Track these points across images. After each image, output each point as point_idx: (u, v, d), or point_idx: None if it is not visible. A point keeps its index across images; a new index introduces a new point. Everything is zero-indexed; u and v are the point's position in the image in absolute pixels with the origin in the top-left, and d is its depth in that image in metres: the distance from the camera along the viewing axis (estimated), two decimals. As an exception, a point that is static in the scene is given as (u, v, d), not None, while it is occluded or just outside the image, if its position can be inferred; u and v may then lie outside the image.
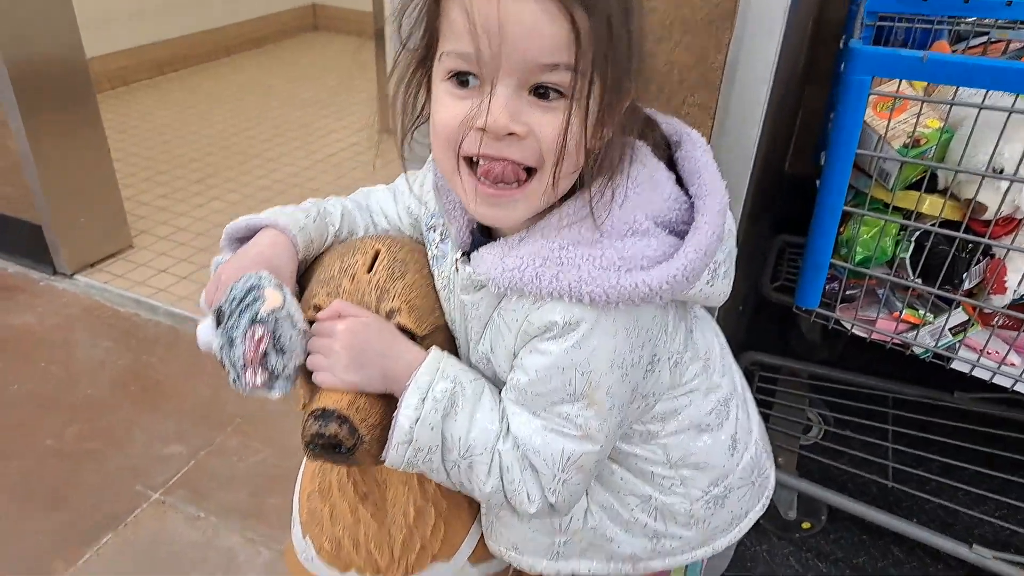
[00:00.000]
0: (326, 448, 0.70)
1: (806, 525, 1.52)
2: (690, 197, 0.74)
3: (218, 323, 0.71)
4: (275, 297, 0.69)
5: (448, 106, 0.66)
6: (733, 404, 0.86)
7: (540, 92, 0.64)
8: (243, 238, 0.84)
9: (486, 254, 0.72)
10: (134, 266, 2.31)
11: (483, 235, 0.77)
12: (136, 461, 1.65)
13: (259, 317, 0.68)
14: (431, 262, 0.82)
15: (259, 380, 0.69)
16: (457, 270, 0.76)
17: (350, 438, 0.69)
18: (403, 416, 0.71)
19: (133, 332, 2.04)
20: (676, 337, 0.77)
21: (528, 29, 0.61)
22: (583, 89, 0.63)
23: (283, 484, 1.61)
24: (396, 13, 0.69)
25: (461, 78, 0.65)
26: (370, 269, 0.76)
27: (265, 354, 0.68)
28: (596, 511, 0.83)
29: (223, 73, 4.11)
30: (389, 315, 0.75)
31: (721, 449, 0.84)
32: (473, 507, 0.88)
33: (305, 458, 0.97)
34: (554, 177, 0.65)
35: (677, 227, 0.72)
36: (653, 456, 0.81)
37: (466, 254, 0.75)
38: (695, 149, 0.76)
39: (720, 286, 0.75)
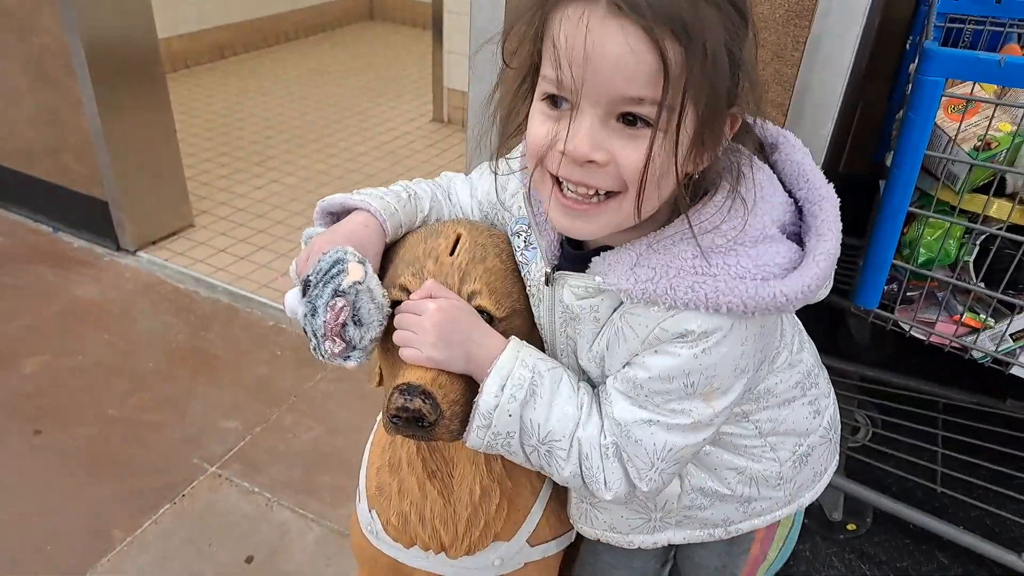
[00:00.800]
0: (409, 422, 0.71)
1: (851, 526, 1.49)
2: (796, 200, 0.74)
3: (304, 292, 0.74)
4: (357, 271, 0.72)
5: (539, 124, 0.67)
6: (814, 373, 0.87)
7: (628, 119, 0.63)
8: (335, 214, 0.86)
9: (613, 263, 0.71)
10: (194, 244, 2.36)
11: (572, 247, 0.78)
12: (194, 433, 1.68)
13: (341, 289, 0.70)
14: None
15: (336, 349, 0.72)
16: (548, 282, 0.77)
17: (432, 413, 0.70)
18: (483, 402, 0.72)
19: (192, 308, 2.08)
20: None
21: (613, 61, 0.60)
22: (672, 121, 0.62)
23: (335, 462, 1.63)
24: (504, 32, 0.71)
25: (554, 100, 0.66)
26: (452, 251, 0.78)
27: (344, 325, 0.71)
28: (690, 489, 0.84)
29: (282, 58, 4.16)
30: (470, 297, 0.76)
31: (805, 414, 0.86)
32: (535, 489, 0.89)
33: (373, 433, 0.98)
34: (637, 203, 0.65)
35: (786, 230, 0.72)
36: (745, 432, 0.82)
37: (556, 267, 0.77)
38: (794, 152, 0.76)
39: (827, 288, 0.75)
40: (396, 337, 0.75)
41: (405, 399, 0.69)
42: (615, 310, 0.73)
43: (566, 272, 0.75)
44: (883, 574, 1.43)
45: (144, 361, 1.88)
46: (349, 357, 0.73)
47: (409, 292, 0.76)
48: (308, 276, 0.73)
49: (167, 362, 1.89)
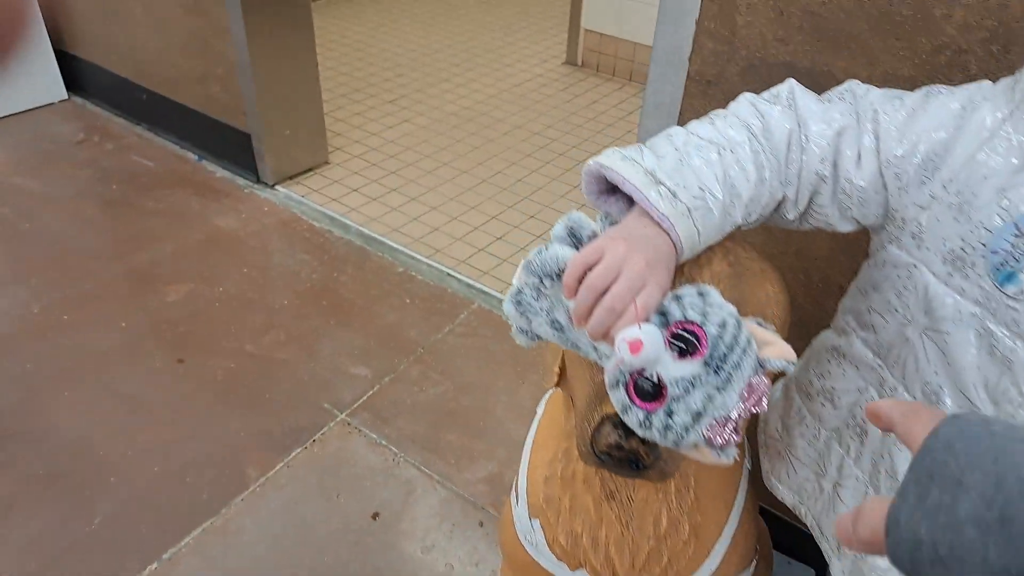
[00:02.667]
0: (619, 461, 0.57)
1: None
2: None
3: (679, 347, 0.51)
4: (781, 345, 0.52)
5: None
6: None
7: None
8: (600, 186, 0.64)
9: None
10: (329, 182, 2.30)
11: None
12: (324, 376, 1.65)
13: (767, 364, 0.51)
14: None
15: (729, 435, 0.51)
16: None
17: (650, 456, 0.56)
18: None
19: (326, 248, 2.04)
20: None
21: None
22: None
23: (460, 421, 1.56)
24: None
25: None
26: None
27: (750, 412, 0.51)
28: None
29: (416, -8, 4.02)
30: None
31: None
32: (720, 522, 0.76)
33: (535, 431, 0.87)
34: None
35: None
36: None
37: None
38: None
39: None
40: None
41: (619, 435, 0.55)
42: None
43: None
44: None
45: (279, 297, 1.86)
46: (726, 450, 0.52)
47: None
48: (690, 329, 0.51)
49: (300, 301, 1.85)
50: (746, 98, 0.67)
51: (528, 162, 2.49)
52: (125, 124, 2.57)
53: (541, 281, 0.58)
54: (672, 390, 0.50)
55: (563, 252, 0.57)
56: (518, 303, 0.59)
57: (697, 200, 0.59)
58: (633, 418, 0.52)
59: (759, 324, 0.53)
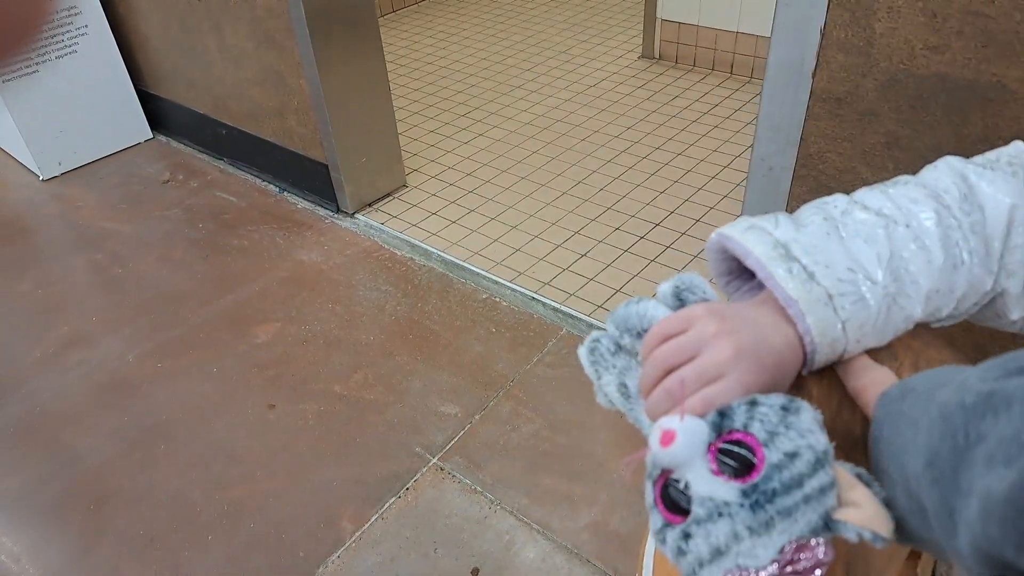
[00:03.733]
0: None
1: None
2: None
3: (720, 464, 0.40)
4: (876, 513, 0.38)
5: None
6: None
7: None
8: (724, 256, 0.53)
9: None
10: (407, 207, 2.23)
11: None
12: (414, 417, 1.57)
13: (835, 528, 0.37)
14: None
15: None
16: None
17: None
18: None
19: (409, 277, 1.96)
20: None
21: None
22: None
23: (556, 462, 1.45)
24: None
25: None
26: None
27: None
28: None
29: (482, -4, 3.92)
30: None
31: None
32: None
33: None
34: None
35: None
36: None
37: None
38: None
39: None
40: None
41: None
42: None
43: None
44: None
45: (365, 333, 1.79)
46: None
47: None
48: (744, 443, 0.40)
49: (386, 336, 1.78)
50: (947, 161, 0.52)
51: (609, 168, 2.34)
52: (208, 160, 2.57)
53: (622, 336, 0.50)
54: (696, 510, 0.39)
55: (652, 310, 0.49)
56: (592, 351, 0.50)
57: (844, 284, 0.45)
58: (652, 523, 0.42)
59: (860, 475, 0.39)
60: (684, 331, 0.45)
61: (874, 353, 0.48)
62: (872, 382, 0.43)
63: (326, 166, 2.15)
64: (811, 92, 0.83)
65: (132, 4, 2.45)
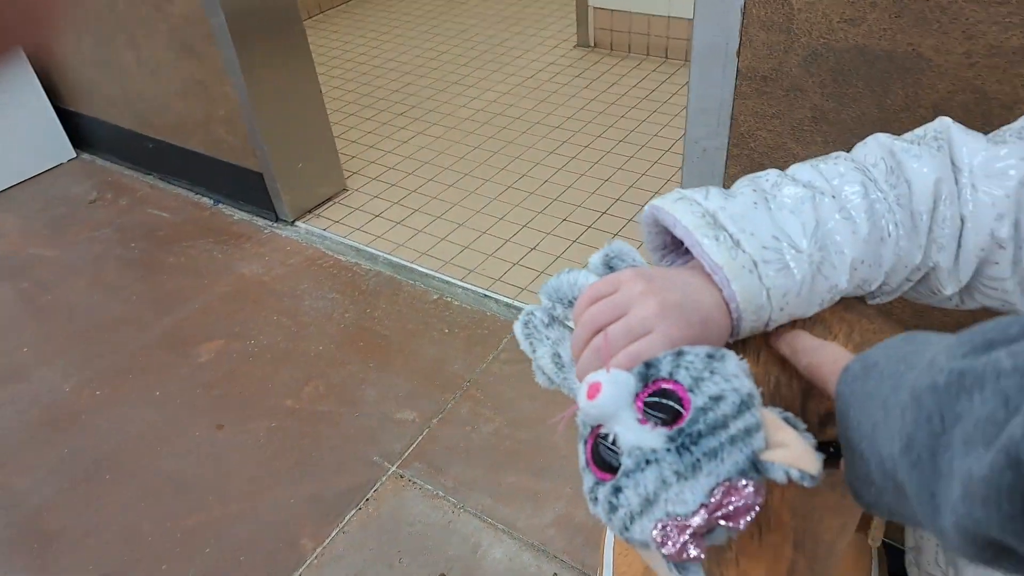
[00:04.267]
0: None
1: None
2: None
3: (647, 414, 0.39)
4: (803, 452, 0.37)
5: None
6: None
7: None
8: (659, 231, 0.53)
9: None
10: (349, 210, 2.19)
11: None
12: (370, 425, 1.54)
13: (765, 469, 0.37)
14: None
15: (690, 550, 0.36)
16: None
17: None
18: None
19: (355, 283, 1.93)
20: None
21: None
22: None
23: (518, 460, 1.44)
24: None
25: None
26: None
27: (717, 526, 0.37)
28: None
29: (412, -8, 3.88)
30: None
31: None
32: None
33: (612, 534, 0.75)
34: None
35: None
36: None
37: None
38: None
39: None
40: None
41: None
42: None
43: None
44: None
45: (314, 344, 1.76)
46: (689, 569, 0.37)
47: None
48: (672, 391, 0.39)
49: (336, 345, 1.75)
50: (876, 138, 0.52)
51: (553, 160, 2.34)
52: (136, 176, 2.49)
53: (554, 307, 0.50)
54: (625, 461, 0.38)
55: (582, 278, 0.49)
56: (526, 324, 0.50)
57: (769, 252, 0.46)
58: (584, 484, 0.42)
59: (787, 419, 0.39)
60: (613, 293, 0.46)
61: (808, 326, 0.48)
62: (827, 359, 0.43)
63: (260, 175, 2.10)
64: (737, 71, 0.84)
65: (42, 18, 2.34)
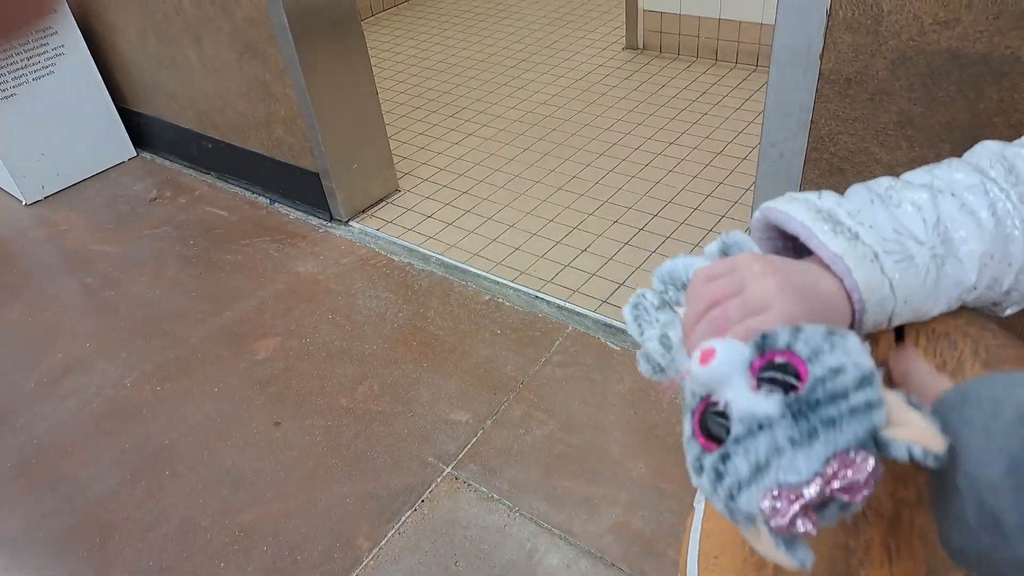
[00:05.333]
0: None
1: None
2: None
3: (766, 380, 0.37)
4: (927, 431, 0.35)
5: None
6: None
7: None
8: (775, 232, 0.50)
9: None
10: (402, 211, 2.21)
11: None
12: (424, 427, 1.55)
13: (885, 444, 0.35)
14: None
15: (802, 524, 0.34)
16: None
17: None
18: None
19: (408, 283, 1.94)
20: None
21: None
22: None
23: (572, 464, 1.43)
24: None
25: None
26: None
27: (834, 498, 0.35)
28: None
29: (461, -5, 3.89)
30: None
31: None
32: None
33: (700, 531, 0.73)
34: None
35: None
36: None
37: None
38: None
39: None
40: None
41: None
42: None
43: None
44: None
45: (368, 343, 1.77)
46: (796, 546, 0.35)
47: None
48: (790, 362, 0.37)
49: (390, 344, 1.76)
50: (983, 144, 0.50)
51: (603, 162, 2.33)
52: (195, 175, 2.54)
53: (666, 290, 0.48)
54: (736, 427, 0.36)
55: (697, 262, 0.48)
56: (635, 306, 0.48)
57: (889, 243, 0.44)
58: (688, 456, 0.39)
59: (911, 402, 0.36)
60: (733, 270, 0.44)
61: (932, 340, 0.46)
62: (934, 389, 0.41)
63: (317, 174, 2.13)
64: (820, 74, 0.82)
65: (109, 21, 2.41)
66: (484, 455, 1.47)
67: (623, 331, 1.70)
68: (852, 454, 0.33)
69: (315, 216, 2.22)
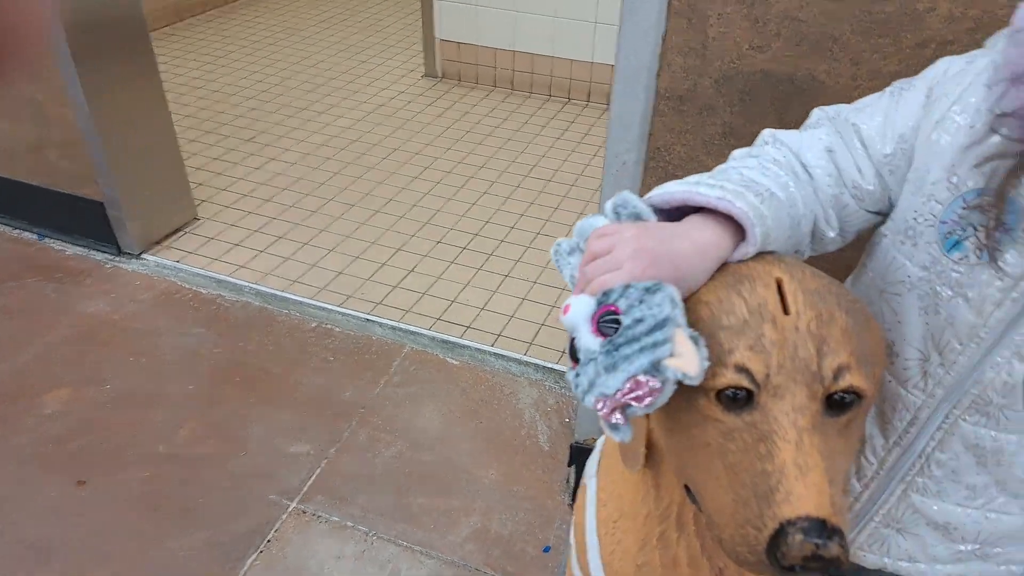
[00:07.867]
0: (810, 572, 0.50)
1: None
2: None
3: (601, 327, 0.56)
4: (691, 360, 0.52)
5: None
6: None
7: None
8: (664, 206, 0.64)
9: None
10: (204, 240, 2.07)
11: None
12: (261, 462, 1.47)
13: (662, 370, 0.52)
14: (943, 285, 0.60)
15: (615, 418, 0.55)
16: None
17: (845, 555, 0.49)
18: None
19: (221, 316, 1.83)
20: None
21: None
22: None
23: (426, 481, 1.44)
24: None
25: None
26: (785, 309, 0.55)
27: (638, 404, 0.54)
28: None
29: (248, 18, 3.76)
30: (836, 374, 0.53)
31: None
32: None
33: (592, 512, 0.78)
34: None
35: None
36: None
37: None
38: None
39: None
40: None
41: (817, 545, 0.48)
42: None
43: None
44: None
45: (183, 384, 1.64)
46: (617, 429, 0.55)
47: (751, 374, 0.53)
48: (616, 310, 0.55)
49: (209, 383, 1.64)
50: (738, 152, 0.70)
51: (418, 184, 2.38)
52: (-66, 209, 2.18)
53: (579, 242, 0.64)
54: (581, 357, 0.56)
55: (599, 221, 0.63)
56: (555, 252, 0.66)
57: (750, 184, 0.60)
58: (567, 372, 0.59)
59: (693, 338, 0.54)
60: (614, 234, 0.59)
61: (823, 303, 0.58)
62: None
63: (101, 204, 1.93)
64: (656, 92, 0.94)
65: None
66: (332, 484, 1.43)
67: (462, 346, 1.75)
68: (642, 377, 0.52)
69: (99, 250, 2.01)
